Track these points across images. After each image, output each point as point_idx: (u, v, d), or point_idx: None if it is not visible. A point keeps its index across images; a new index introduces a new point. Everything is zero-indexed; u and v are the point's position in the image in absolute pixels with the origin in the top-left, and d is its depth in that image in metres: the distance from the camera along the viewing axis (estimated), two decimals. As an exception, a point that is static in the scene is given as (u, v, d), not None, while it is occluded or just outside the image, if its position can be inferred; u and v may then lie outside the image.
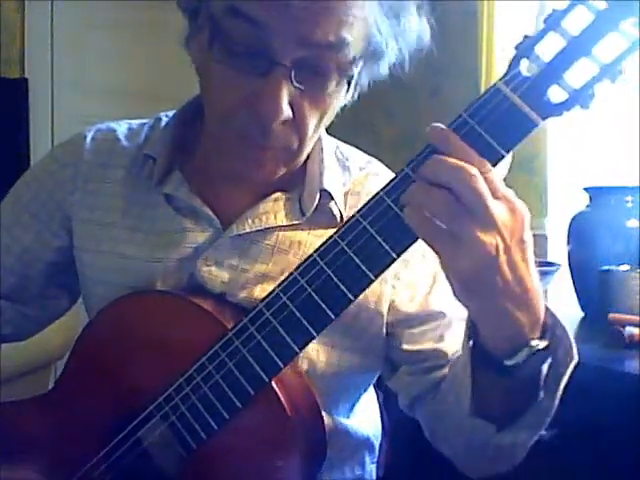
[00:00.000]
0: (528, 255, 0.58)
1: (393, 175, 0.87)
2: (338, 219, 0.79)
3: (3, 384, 1.02)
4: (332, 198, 0.79)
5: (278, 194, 0.79)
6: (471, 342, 0.65)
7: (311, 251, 0.73)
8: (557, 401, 0.66)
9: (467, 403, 0.67)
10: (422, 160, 0.58)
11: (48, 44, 2.74)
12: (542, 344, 0.61)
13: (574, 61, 0.57)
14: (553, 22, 0.58)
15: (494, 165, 0.58)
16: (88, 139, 0.87)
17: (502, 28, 1.78)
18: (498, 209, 0.56)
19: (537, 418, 0.67)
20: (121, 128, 0.89)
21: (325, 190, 0.78)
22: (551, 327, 0.63)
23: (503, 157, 0.58)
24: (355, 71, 0.72)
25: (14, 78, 2.66)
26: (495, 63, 1.79)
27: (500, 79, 0.58)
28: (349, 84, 0.74)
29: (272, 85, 0.66)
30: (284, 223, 0.78)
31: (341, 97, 0.75)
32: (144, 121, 0.90)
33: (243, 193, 0.80)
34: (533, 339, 0.61)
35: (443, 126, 0.58)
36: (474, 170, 0.55)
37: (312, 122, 0.71)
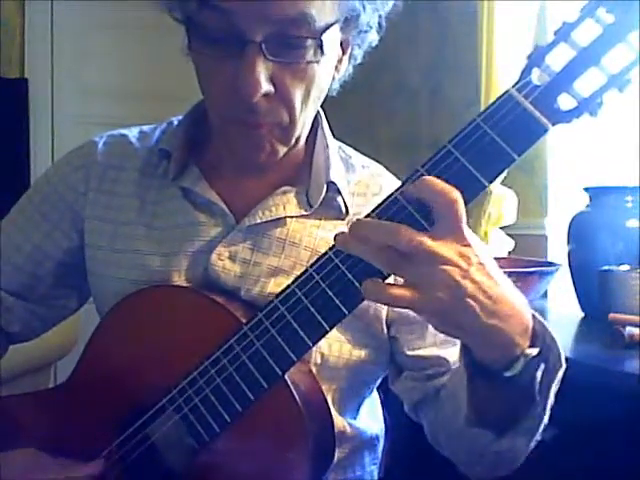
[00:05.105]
0: (492, 272, 0.59)
1: (393, 177, 0.89)
2: (344, 213, 0.82)
3: (3, 384, 1.02)
4: (339, 192, 0.81)
5: (286, 187, 0.82)
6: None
7: (321, 244, 0.78)
8: (549, 407, 0.67)
9: (463, 414, 0.69)
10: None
11: (48, 44, 2.74)
12: (534, 351, 0.62)
13: (583, 71, 0.60)
14: (563, 33, 0.60)
15: (505, 168, 0.59)
16: (100, 144, 0.89)
17: (502, 28, 1.78)
18: (438, 245, 0.56)
19: (533, 423, 0.67)
20: (132, 132, 0.91)
21: (332, 182, 0.81)
22: (541, 334, 0.64)
23: (515, 161, 0.59)
24: (334, 37, 0.73)
25: (14, 78, 2.66)
26: (495, 63, 1.79)
27: (512, 86, 0.60)
28: (343, 54, 0.78)
29: (246, 62, 0.69)
30: (293, 214, 0.80)
31: (329, 68, 0.76)
32: (155, 125, 0.92)
33: (254, 188, 0.82)
34: (526, 347, 0.62)
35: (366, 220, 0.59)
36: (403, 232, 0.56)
37: (298, 95, 0.73)
